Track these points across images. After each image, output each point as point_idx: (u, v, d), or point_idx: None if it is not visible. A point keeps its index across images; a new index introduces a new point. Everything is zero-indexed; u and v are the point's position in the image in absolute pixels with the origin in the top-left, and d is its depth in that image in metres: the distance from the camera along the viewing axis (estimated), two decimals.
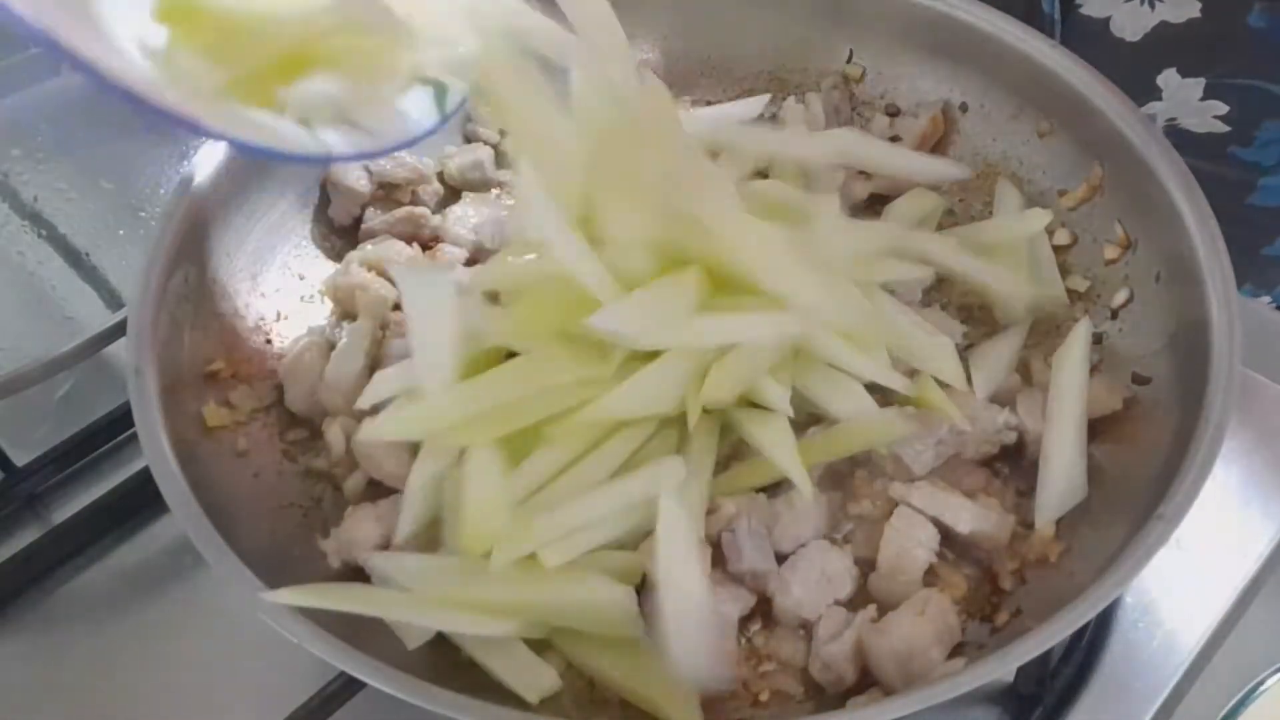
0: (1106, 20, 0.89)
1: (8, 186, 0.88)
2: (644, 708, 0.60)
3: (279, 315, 0.75)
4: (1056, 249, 0.76)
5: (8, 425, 0.79)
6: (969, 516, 0.65)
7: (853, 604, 0.64)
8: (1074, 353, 0.69)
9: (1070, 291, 0.75)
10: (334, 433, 0.70)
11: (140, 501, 0.74)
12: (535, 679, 0.60)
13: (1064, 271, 0.75)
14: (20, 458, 0.76)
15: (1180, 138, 0.91)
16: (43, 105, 0.93)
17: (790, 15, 0.84)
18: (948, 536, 0.65)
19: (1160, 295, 0.69)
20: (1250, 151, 0.92)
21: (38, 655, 0.70)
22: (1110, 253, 0.73)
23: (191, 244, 0.70)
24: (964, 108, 0.81)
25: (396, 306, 0.74)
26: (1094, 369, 0.72)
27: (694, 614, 0.58)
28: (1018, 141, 0.79)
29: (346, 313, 0.75)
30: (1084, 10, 0.89)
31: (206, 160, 0.72)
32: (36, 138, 0.91)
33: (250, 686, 0.68)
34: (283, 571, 0.61)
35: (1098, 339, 0.72)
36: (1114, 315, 0.72)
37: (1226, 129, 0.91)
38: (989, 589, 0.65)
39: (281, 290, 0.76)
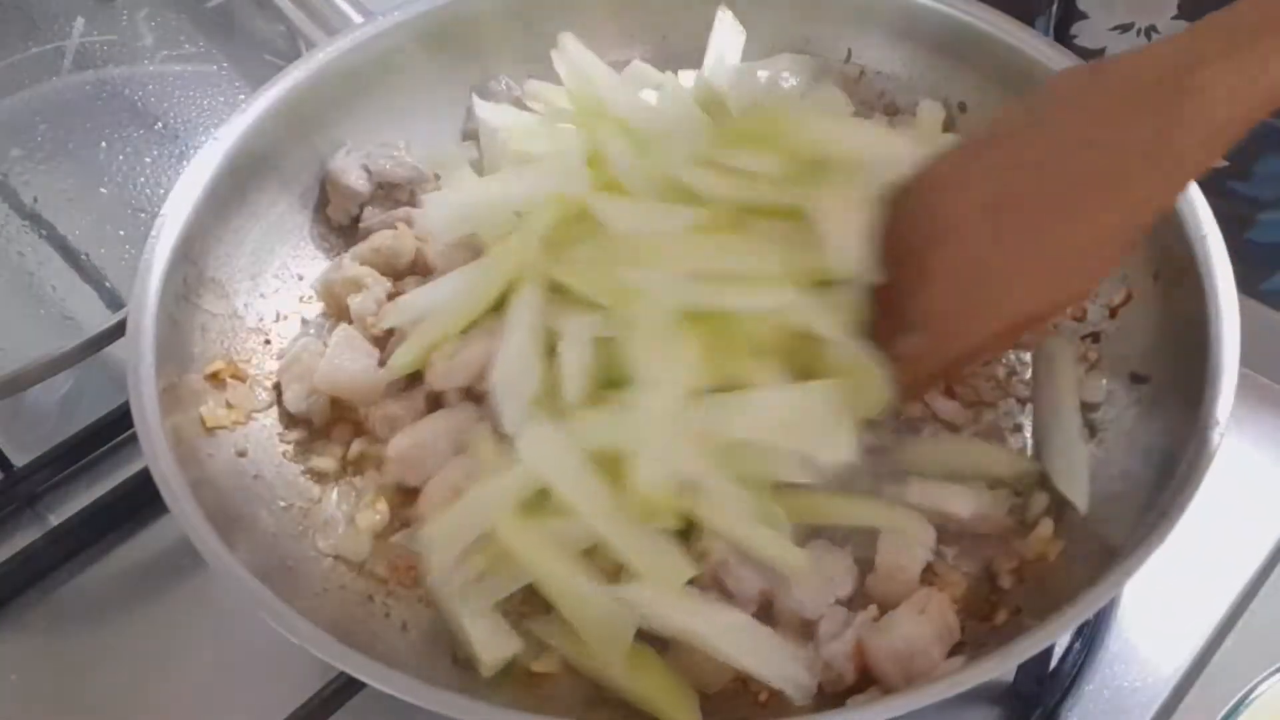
0: (1101, 51, 0.88)
1: (8, 186, 0.88)
2: (644, 708, 0.60)
3: (279, 315, 0.75)
4: None
5: (8, 425, 0.79)
6: (967, 502, 0.65)
7: (852, 603, 0.64)
8: (1064, 360, 0.70)
9: None
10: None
11: (140, 502, 0.74)
12: (498, 645, 0.61)
13: None
14: (20, 458, 0.76)
15: None
16: (43, 105, 0.93)
17: (789, 15, 0.84)
18: (946, 531, 0.65)
19: (1159, 294, 0.69)
20: (1248, 186, 0.90)
21: (37, 655, 0.70)
22: None
23: (191, 244, 0.70)
24: (963, 107, 0.80)
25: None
26: (1092, 367, 0.72)
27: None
28: None
29: (339, 312, 0.75)
30: (1079, 41, 0.88)
31: (206, 160, 0.72)
32: (36, 138, 0.91)
33: (250, 686, 0.68)
34: (282, 572, 0.61)
35: (1095, 337, 0.73)
36: (1112, 314, 0.72)
37: (1225, 163, 0.90)
38: (987, 588, 0.65)
39: (281, 290, 0.76)
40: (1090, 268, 0.59)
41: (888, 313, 0.61)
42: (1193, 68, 0.54)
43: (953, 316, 0.59)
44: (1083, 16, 0.87)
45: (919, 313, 0.59)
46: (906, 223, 0.60)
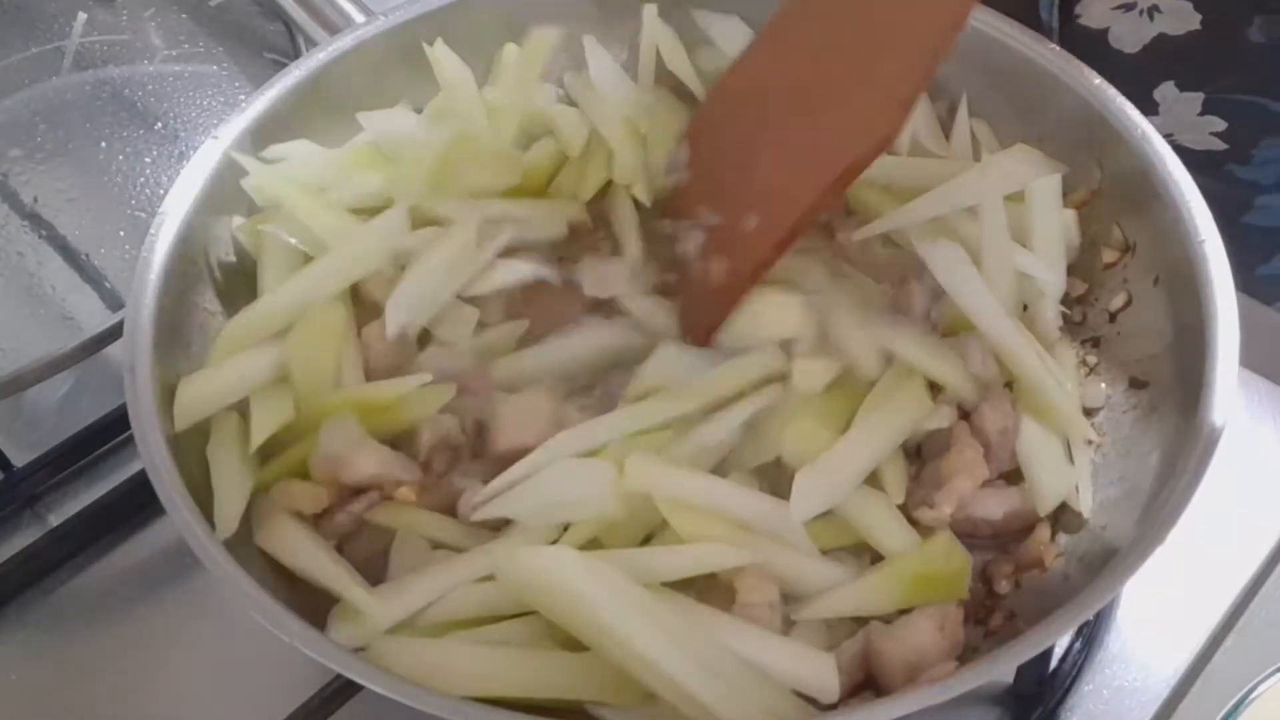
0: (1105, 31, 0.88)
1: (8, 186, 0.88)
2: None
3: None
4: None
5: (8, 425, 0.79)
6: (999, 503, 0.65)
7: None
8: (1064, 365, 0.70)
9: (1066, 295, 0.74)
10: None
11: (139, 502, 0.74)
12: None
13: None
14: (19, 458, 0.76)
15: (1177, 154, 0.89)
16: (43, 105, 0.93)
17: None
18: (977, 538, 0.65)
19: (1159, 298, 0.69)
20: (1248, 170, 0.90)
21: (37, 655, 0.70)
22: (1109, 256, 0.73)
23: (190, 243, 0.70)
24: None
25: None
26: (1091, 372, 0.72)
27: None
28: (1017, 144, 0.78)
29: None
30: (1082, 21, 0.88)
31: (205, 159, 0.72)
32: (36, 138, 0.91)
33: (249, 687, 0.68)
34: (279, 573, 0.61)
35: (1095, 342, 0.73)
36: (1112, 319, 0.72)
37: (1224, 146, 0.89)
38: (983, 593, 0.65)
39: None
40: (884, 114, 0.64)
41: (722, 208, 0.66)
42: None
43: (782, 187, 0.65)
44: None
45: (753, 195, 0.65)
46: (725, 121, 0.67)
